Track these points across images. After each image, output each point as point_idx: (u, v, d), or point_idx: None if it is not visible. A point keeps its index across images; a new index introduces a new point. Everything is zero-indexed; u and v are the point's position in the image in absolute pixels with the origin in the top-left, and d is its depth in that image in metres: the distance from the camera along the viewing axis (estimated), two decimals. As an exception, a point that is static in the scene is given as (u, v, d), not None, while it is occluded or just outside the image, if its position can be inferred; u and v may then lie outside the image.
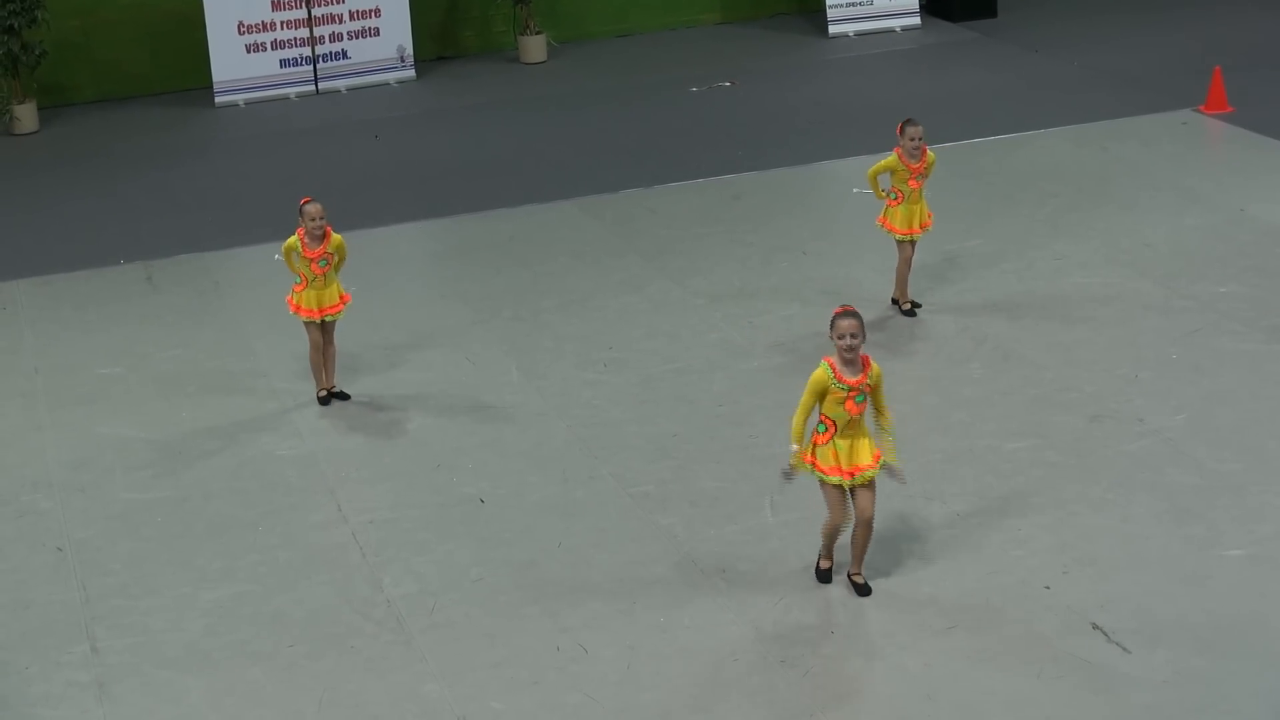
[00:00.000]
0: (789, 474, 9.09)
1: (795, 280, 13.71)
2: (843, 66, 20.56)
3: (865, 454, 8.94)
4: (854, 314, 8.89)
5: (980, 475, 10.49)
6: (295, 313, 11.70)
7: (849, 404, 8.83)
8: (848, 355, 8.81)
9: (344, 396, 11.99)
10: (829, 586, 9.30)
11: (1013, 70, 19.79)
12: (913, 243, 12.66)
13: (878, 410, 9.03)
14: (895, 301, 12.91)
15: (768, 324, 12.91)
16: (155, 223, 16.13)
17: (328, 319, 11.68)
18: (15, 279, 14.74)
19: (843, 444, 8.90)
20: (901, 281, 12.85)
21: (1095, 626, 8.84)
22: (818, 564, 9.41)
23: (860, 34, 21.70)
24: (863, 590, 9.23)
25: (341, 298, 11.71)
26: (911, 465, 10.23)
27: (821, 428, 8.92)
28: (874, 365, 8.92)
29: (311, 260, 11.52)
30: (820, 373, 8.85)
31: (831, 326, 8.90)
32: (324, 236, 11.51)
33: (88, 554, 10.17)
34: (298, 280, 11.65)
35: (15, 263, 15.13)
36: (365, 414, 11.81)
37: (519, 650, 8.95)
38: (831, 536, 9.22)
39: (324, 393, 11.94)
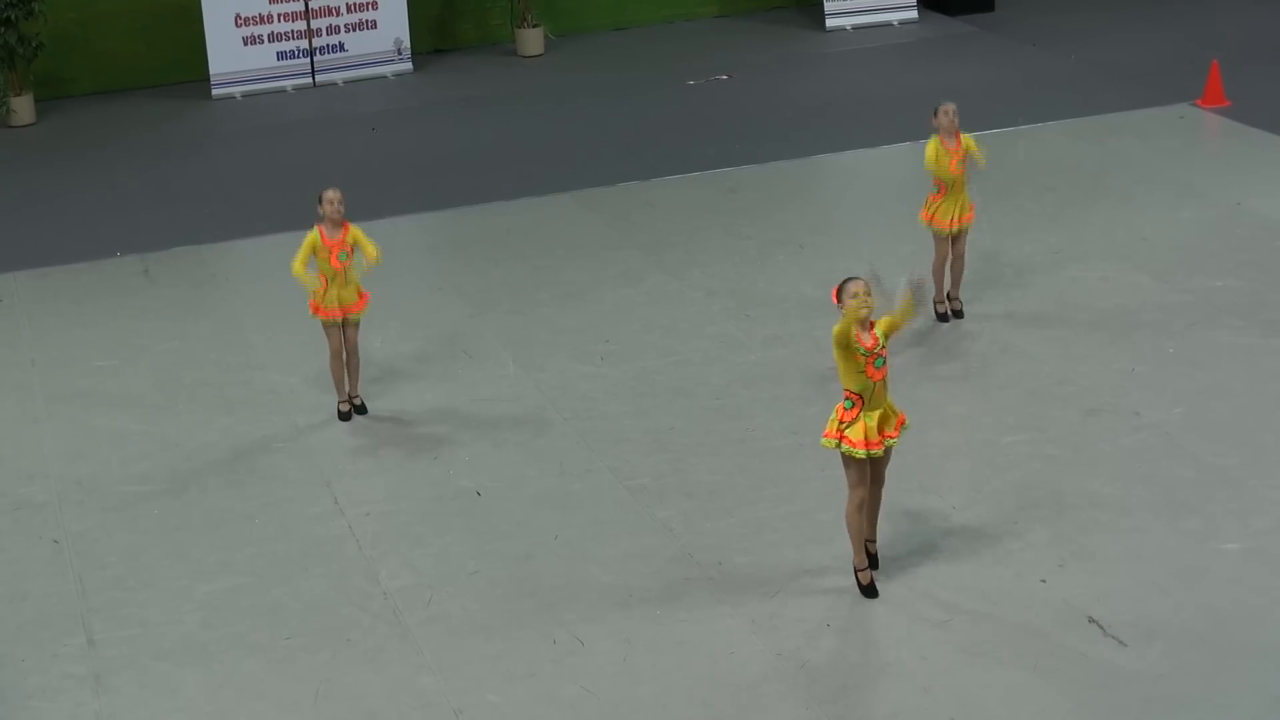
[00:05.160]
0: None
1: (792, 273, 13.70)
2: (840, 60, 20.54)
3: (891, 423, 8.99)
4: (859, 278, 8.84)
5: (977, 469, 10.49)
6: (316, 314, 11.36)
7: (869, 370, 8.83)
8: (862, 313, 8.74)
9: (363, 410, 11.62)
10: (823, 581, 9.28)
11: (1009, 64, 19.77)
12: (950, 238, 12.33)
13: (893, 318, 8.93)
14: (935, 305, 12.54)
15: (765, 317, 12.90)
16: (152, 215, 16.12)
17: (351, 318, 11.35)
18: (12, 271, 14.71)
19: (871, 416, 8.88)
20: (939, 280, 12.49)
21: (1091, 620, 8.85)
22: (856, 576, 9.22)
23: (857, 27, 21.68)
24: (873, 561, 9.25)
25: (361, 296, 11.38)
26: (908, 459, 10.23)
27: (849, 404, 8.89)
28: (876, 324, 8.88)
29: (331, 251, 11.16)
30: (843, 324, 8.72)
31: (842, 292, 8.82)
32: (342, 226, 11.19)
33: (84, 546, 10.17)
34: (311, 293, 11.29)
35: (12, 255, 15.10)
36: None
37: (515, 643, 8.95)
38: (857, 523, 9.10)
39: (346, 406, 11.55)
